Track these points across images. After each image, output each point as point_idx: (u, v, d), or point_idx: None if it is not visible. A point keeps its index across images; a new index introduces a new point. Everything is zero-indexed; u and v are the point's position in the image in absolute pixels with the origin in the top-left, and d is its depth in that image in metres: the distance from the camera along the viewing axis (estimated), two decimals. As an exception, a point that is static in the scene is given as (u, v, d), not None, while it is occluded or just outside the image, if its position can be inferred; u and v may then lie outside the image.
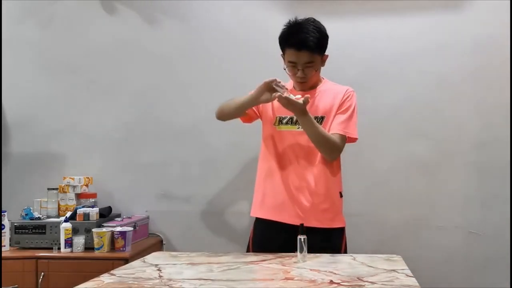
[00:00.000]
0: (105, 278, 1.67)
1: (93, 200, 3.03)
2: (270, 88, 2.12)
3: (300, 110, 2.07)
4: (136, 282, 1.60)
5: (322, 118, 2.25)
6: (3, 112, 3.29)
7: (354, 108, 2.27)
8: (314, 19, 2.26)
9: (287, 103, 2.05)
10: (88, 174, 3.15)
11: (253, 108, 2.34)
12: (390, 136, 3.01)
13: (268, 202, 2.27)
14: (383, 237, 2.97)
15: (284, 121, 2.29)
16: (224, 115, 2.41)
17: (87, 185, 3.08)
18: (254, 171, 2.38)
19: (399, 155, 3.00)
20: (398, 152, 3.00)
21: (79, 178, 3.03)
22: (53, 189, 3.02)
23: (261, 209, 2.30)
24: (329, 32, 3.10)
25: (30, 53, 3.31)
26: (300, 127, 2.20)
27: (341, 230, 2.29)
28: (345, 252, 2.26)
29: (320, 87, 2.32)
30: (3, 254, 2.61)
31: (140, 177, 3.20)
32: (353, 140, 2.27)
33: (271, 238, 2.24)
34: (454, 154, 2.96)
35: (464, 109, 2.96)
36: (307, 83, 2.27)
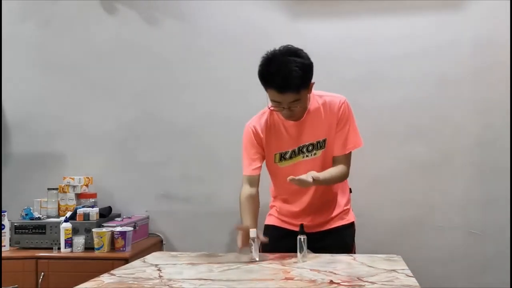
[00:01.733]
0: (105, 278, 1.67)
1: (93, 200, 3.03)
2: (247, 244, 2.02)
3: (310, 184, 2.03)
4: (136, 282, 1.60)
5: (324, 140, 2.17)
6: (3, 112, 3.29)
7: (351, 118, 2.19)
8: (295, 49, 2.03)
9: (299, 183, 2.00)
10: (88, 174, 3.15)
11: (260, 155, 2.23)
12: (390, 136, 3.00)
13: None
14: (383, 237, 2.97)
15: (287, 155, 2.20)
16: None
17: (87, 185, 3.08)
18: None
19: (399, 155, 2.99)
20: (398, 152, 3.00)
21: (79, 178, 3.03)
22: (53, 189, 3.02)
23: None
24: (329, 32, 3.11)
25: (30, 53, 3.31)
26: (305, 155, 2.18)
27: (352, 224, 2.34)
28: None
29: (310, 107, 2.17)
30: (3, 254, 2.61)
31: (140, 177, 3.20)
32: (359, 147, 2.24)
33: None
34: (454, 154, 2.96)
35: (464, 109, 2.95)
36: (296, 117, 2.14)
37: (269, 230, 2.31)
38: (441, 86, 2.97)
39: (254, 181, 2.19)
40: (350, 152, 2.22)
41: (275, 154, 2.21)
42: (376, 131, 3.00)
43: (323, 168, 2.15)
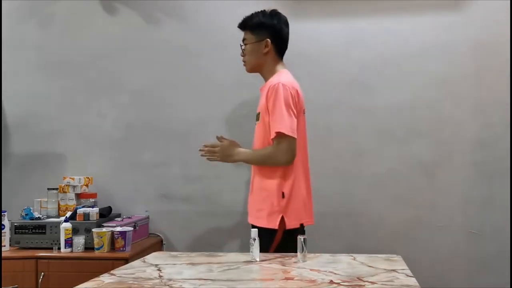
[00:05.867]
0: (105, 278, 1.67)
1: (93, 200, 3.02)
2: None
3: (226, 152, 2.25)
4: (136, 282, 1.60)
5: (258, 114, 2.31)
6: (3, 112, 3.29)
7: (278, 103, 2.18)
8: (279, 13, 2.39)
9: (210, 155, 2.21)
10: (88, 174, 3.15)
11: None
12: (390, 136, 3.00)
13: None
14: (383, 237, 2.97)
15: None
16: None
17: (87, 185, 3.08)
18: (254, 171, 2.37)
19: (399, 155, 2.99)
20: (398, 152, 3.00)
21: (79, 178, 3.03)
22: (53, 189, 3.02)
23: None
24: (328, 32, 3.11)
25: (30, 53, 3.31)
26: (257, 121, 2.31)
27: (271, 231, 2.20)
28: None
29: (270, 81, 2.31)
30: (3, 254, 2.61)
31: (140, 177, 3.20)
32: (288, 135, 2.18)
33: None
34: (454, 154, 2.96)
35: (464, 109, 2.95)
36: (246, 65, 2.40)
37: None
38: (441, 86, 2.97)
39: None
40: (284, 138, 2.18)
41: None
42: (376, 131, 3.00)
43: (258, 139, 2.30)
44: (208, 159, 2.33)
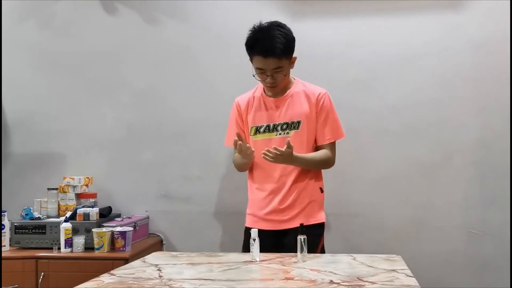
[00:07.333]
0: (105, 278, 1.67)
1: (93, 200, 3.03)
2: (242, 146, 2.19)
3: (289, 157, 2.14)
4: (136, 282, 1.60)
5: (298, 122, 2.28)
6: (3, 112, 3.29)
7: (332, 110, 2.32)
8: (279, 22, 2.25)
9: (275, 157, 2.11)
10: (88, 174, 3.15)
11: (240, 130, 2.39)
12: (390, 136, 3.00)
13: None
14: (383, 237, 2.97)
15: (262, 129, 2.32)
16: (242, 170, 2.49)
17: (87, 185, 3.08)
18: (254, 171, 2.38)
19: (399, 155, 2.99)
20: (398, 152, 3.00)
21: (79, 178, 3.03)
22: (53, 189, 3.02)
23: None
24: (328, 32, 3.11)
25: (30, 53, 3.31)
26: (279, 133, 2.27)
27: (320, 225, 2.34)
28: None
29: (292, 90, 2.33)
30: (3, 254, 2.61)
31: (140, 177, 3.20)
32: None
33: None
34: (454, 154, 2.96)
35: (464, 109, 2.95)
36: (277, 88, 2.29)
37: (247, 233, 2.35)
38: (441, 86, 2.97)
39: None
40: (334, 143, 2.34)
41: (251, 127, 2.35)
42: (377, 131, 3.01)
43: (296, 147, 2.24)
44: (269, 160, 2.20)
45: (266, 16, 3.05)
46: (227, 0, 3.13)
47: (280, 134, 2.29)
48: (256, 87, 2.44)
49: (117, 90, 3.24)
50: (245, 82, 2.89)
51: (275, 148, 2.12)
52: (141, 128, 3.22)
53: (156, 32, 3.21)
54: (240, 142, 2.18)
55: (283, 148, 2.12)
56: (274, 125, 2.32)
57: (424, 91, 2.98)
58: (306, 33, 3.01)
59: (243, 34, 3.10)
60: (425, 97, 2.98)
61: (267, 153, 2.13)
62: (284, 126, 2.30)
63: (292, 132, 2.29)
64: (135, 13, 3.22)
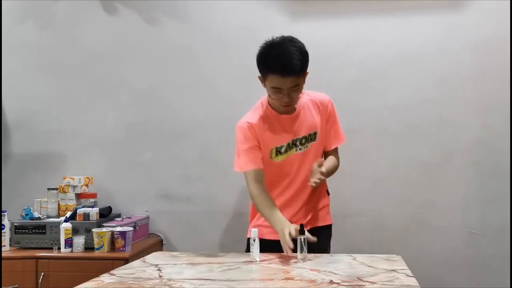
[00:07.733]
0: (105, 278, 1.67)
1: (93, 200, 3.03)
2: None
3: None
4: (136, 282, 1.60)
5: (315, 133, 2.25)
6: (3, 112, 3.29)
7: (336, 116, 2.34)
8: (291, 37, 2.10)
9: (321, 180, 2.09)
10: (88, 174, 3.15)
11: (259, 153, 2.21)
12: (391, 136, 3.00)
13: None
14: (383, 237, 2.97)
15: (283, 149, 2.21)
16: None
17: (87, 185, 3.08)
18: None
19: (399, 155, 2.99)
20: (398, 152, 3.00)
21: (79, 178, 3.03)
22: (53, 189, 3.02)
23: None
24: (328, 32, 3.12)
25: (30, 53, 3.31)
26: (298, 148, 2.22)
27: (329, 226, 2.37)
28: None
29: (300, 102, 2.23)
30: (3, 254, 2.61)
31: (140, 177, 3.20)
32: None
33: None
34: (454, 154, 2.96)
35: (464, 109, 2.95)
36: (293, 106, 2.19)
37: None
38: (441, 86, 2.97)
39: (261, 175, 2.17)
40: (337, 148, 2.36)
41: (271, 149, 2.21)
42: (377, 131, 3.01)
43: (312, 161, 2.19)
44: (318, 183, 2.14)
45: (266, 16, 3.08)
46: (227, 0, 3.13)
47: (300, 149, 2.22)
48: (258, 106, 2.27)
49: (117, 90, 3.24)
50: (245, 82, 2.91)
51: (321, 173, 2.05)
52: (141, 128, 3.22)
53: (156, 32, 3.21)
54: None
55: (322, 169, 2.06)
56: (293, 141, 2.22)
57: (424, 91, 2.98)
58: (306, 33, 2.99)
59: (243, 34, 3.13)
60: (425, 97, 2.98)
61: (317, 181, 2.06)
62: (303, 141, 2.22)
63: (310, 145, 2.23)
64: (135, 13, 3.22)
